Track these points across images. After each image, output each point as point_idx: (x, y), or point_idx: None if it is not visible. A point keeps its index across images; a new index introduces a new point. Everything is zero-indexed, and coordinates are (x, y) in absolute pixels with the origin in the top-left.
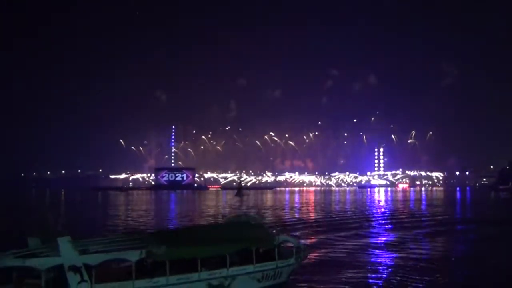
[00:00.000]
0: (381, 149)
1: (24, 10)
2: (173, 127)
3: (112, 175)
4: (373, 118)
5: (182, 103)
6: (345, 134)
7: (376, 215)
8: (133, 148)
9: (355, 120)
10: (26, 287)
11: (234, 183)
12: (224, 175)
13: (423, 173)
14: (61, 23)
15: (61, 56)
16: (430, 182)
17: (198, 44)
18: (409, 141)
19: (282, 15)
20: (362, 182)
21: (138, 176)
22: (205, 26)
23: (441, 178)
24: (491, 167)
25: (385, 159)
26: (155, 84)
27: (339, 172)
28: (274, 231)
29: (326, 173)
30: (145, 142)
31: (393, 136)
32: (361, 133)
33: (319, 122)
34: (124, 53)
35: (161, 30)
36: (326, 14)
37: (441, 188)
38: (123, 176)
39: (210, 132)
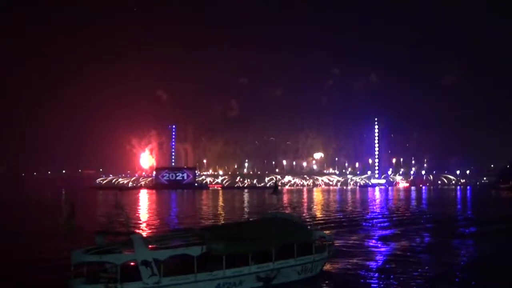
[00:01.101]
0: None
1: (24, 9)
2: (174, 126)
3: (112, 174)
4: (376, 119)
5: (183, 102)
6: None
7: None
8: (134, 147)
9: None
10: (102, 281)
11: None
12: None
13: (423, 172)
14: (60, 21)
15: (60, 54)
16: (431, 181)
17: (198, 43)
18: (407, 145)
19: (282, 13)
20: (362, 182)
21: (138, 175)
22: (205, 24)
23: (440, 176)
24: (492, 165)
25: (385, 158)
26: (155, 83)
27: (337, 171)
28: (309, 227)
29: (325, 171)
30: (146, 141)
31: (392, 135)
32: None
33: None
34: (124, 52)
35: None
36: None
37: (443, 187)
38: (123, 175)
39: (211, 132)
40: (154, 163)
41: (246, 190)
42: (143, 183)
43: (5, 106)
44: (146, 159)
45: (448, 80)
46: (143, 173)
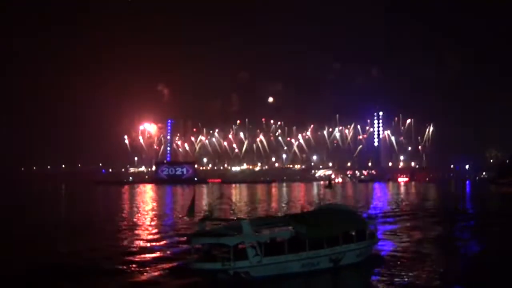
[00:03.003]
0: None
1: (23, 7)
2: (173, 121)
3: (112, 169)
4: (375, 113)
5: (183, 97)
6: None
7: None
8: (133, 142)
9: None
10: (218, 260)
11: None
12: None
13: (423, 166)
14: (60, 21)
15: (59, 50)
16: (431, 175)
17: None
18: (401, 138)
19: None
20: (362, 176)
21: (137, 169)
22: (205, 22)
23: (440, 171)
24: (491, 160)
25: (385, 153)
26: (155, 78)
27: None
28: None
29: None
30: (145, 136)
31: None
32: (358, 126)
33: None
34: (122, 46)
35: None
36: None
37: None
38: (123, 170)
39: (211, 126)
40: (154, 158)
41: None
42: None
43: (3, 102)
44: (146, 154)
45: (449, 74)
46: (143, 168)
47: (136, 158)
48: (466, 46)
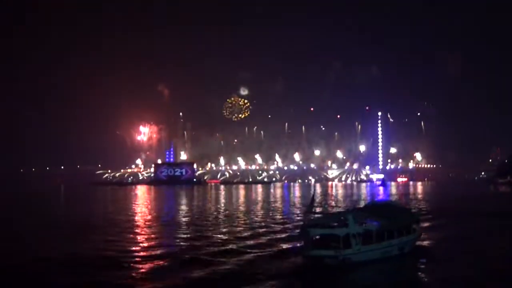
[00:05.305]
0: (380, 142)
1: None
2: (173, 122)
3: (110, 170)
4: (385, 113)
5: (183, 97)
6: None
7: None
8: (132, 143)
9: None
10: (330, 248)
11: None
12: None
13: (422, 166)
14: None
15: (59, 49)
16: (429, 176)
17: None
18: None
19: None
20: (363, 177)
21: (136, 170)
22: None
23: (440, 171)
24: (490, 160)
25: (384, 154)
26: (155, 78)
27: (336, 166)
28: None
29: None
30: (144, 137)
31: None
32: (356, 122)
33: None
34: (123, 47)
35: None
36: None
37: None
38: (121, 171)
39: (211, 126)
40: (153, 159)
41: (243, 186)
42: (145, 175)
43: (2, 103)
44: (145, 154)
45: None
46: (141, 169)
47: (137, 159)
48: (466, 46)
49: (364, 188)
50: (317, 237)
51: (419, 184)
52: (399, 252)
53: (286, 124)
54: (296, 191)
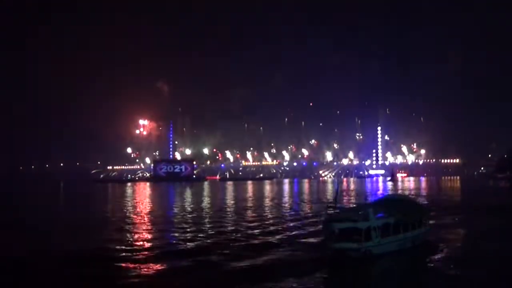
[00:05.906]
0: (379, 138)
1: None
2: (173, 119)
3: (110, 167)
4: (385, 108)
5: (181, 94)
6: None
7: None
8: (132, 140)
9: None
10: (353, 240)
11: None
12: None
13: (421, 162)
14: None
15: (59, 49)
16: (429, 171)
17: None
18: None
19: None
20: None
21: (136, 167)
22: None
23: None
24: (489, 155)
25: (383, 148)
26: (154, 76)
27: (335, 162)
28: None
29: (325, 163)
30: (143, 134)
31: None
32: (357, 119)
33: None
34: (122, 45)
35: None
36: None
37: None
38: (121, 168)
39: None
40: (152, 155)
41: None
42: (146, 173)
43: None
44: (144, 151)
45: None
46: (142, 166)
47: (136, 158)
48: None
49: (369, 184)
50: (338, 230)
51: (422, 179)
52: (412, 244)
53: (286, 119)
54: (302, 187)
